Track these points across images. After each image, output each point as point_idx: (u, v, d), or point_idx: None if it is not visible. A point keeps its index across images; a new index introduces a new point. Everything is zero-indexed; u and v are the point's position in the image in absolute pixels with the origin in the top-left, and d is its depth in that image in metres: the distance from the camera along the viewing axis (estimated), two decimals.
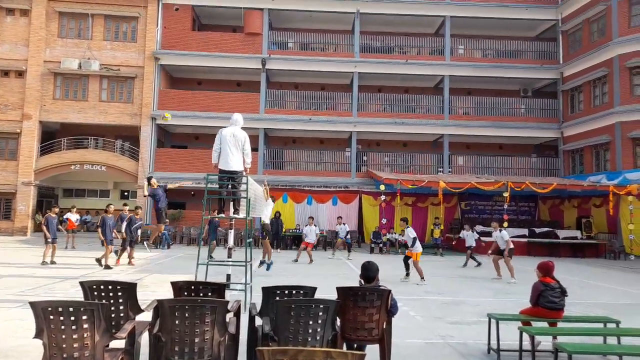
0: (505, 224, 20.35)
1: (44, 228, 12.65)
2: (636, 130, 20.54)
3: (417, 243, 11.17)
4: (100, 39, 24.41)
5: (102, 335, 3.57)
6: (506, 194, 20.13)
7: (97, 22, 24.43)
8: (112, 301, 4.42)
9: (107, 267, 12.16)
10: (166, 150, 24.92)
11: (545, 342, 5.57)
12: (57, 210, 13.56)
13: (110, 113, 24.04)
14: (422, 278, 11.01)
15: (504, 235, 12.24)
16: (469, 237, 16.03)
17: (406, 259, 11.39)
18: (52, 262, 12.48)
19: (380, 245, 20.22)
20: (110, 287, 4.46)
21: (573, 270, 14.82)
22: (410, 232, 11.29)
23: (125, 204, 14.85)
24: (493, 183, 20.44)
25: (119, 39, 24.61)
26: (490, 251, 13.09)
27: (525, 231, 21.37)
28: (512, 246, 12.25)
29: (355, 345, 4.73)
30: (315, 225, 16.98)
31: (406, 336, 6.10)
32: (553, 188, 20.32)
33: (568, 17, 24.87)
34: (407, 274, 11.35)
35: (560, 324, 5.55)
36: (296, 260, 14.79)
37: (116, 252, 13.05)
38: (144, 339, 4.47)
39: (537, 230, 21.51)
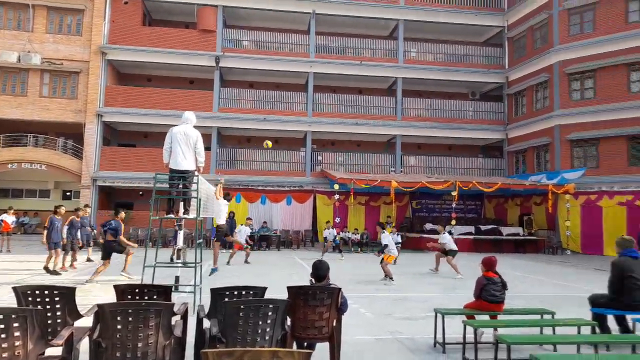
0: (453, 222, 21.14)
1: None
2: (573, 133, 21.86)
3: (391, 248, 11.26)
4: (42, 32, 23.10)
5: (36, 343, 3.39)
6: (454, 193, 20.87)
7: (39, 13, 23.11)
8: (48, 307, 4.21)
9: (55, 272, 11.40)
10: (113, 149, 23.95)
11: (488, 334, 5.81)
12: None
13: (52, 109, 22.81)
14: (388, 277, 11.07)
15: (444, 238, 12.92)
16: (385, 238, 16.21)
17: (382, 262, 11.39)
18: None
19: (334, 244, 20.34)
20: (46, 292, 4.24)
21: (515, 265, 15.57)
22: (384, 238, 11.38)
23: (86, 205, 14.33)
24: (442, 182, 21.11)
25: (63, 32, 23.39)
26: (430, 243, 14.24)
27: (471, 228, 22.24)
28: (454, 248, 12.78)
29: (305, 344, 4.75)
30: (266, 225, 16.63)
31: (356, 333, 6.18)
32: (498, 187, 21.28)
33: (513, 25, 26.09)
34: (391, 278, 11.13)
35: (501, 317, 5.81)
36: (228, 263, 13.88)
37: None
38: (85, 345, 4.27)
39: (483, 227, 22.43)
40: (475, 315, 5.77)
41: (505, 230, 22.31)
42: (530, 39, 24.78)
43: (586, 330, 5.61)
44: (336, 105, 25.67)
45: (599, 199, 20.65)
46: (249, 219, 16.85)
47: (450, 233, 16.95)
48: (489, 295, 5.68)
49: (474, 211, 25.66)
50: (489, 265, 5.86)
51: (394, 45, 26.19)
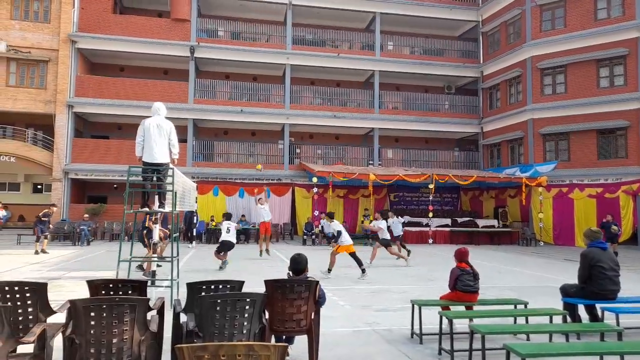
0: (430, 215, 21.44)
1: None
2: (546, 127, 22.37)
3: (344, 235, 10.73)
4: (6, 18, 22.19)
5: (6, 341, 3.29)
6: (431, 186, 21.13)
7: None
8: (19, 303, 4.07)
9: None
10: (85, 141, 23.32)
11: (463, 325, 5.92)
12: None
13: (20, 99, 22.02)
14: (329, 270, 10.58)
15: (379, 224, 12.84)
16: (396, 224, 15.13)
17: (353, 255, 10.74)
18: None
19: (313, 237, 20.40)
20: (16, 288, 4.10)
21: (490, 257, 15.89)
22: (335, 226, 11.00)
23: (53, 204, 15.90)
24: (419, 175, 21.34)
25: (30, 19, 22.53)
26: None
27: (448, 221, 22.60)
28: (386, 237, 12.87)
29: (284, 337, 4.74)
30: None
31: (334, 325, 6.21)
32: (473, 180, 21.64)
33: (487, 20, 26.46)
34: (329, 269, 10.70)
35: (475, 307, 5.92)
36: (267, 252, 14.22)
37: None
38: (59, 342, 4.16)
39: (459, 219, 22.82)
40: (451, 306, 5.86)
41: (481, 223, 22.76)
42: (504, 34, 25.19)
43: (558, 320, 5.77)
44: (314, 97, 25.63)
45: (570, 192, 21.25)
46: (259, 199, 15.96)
47: (404, 224, 16.43)
48: (463, 285, 5.76)
49: (451, 204, 26.08)
50: (460, 256, 5.95)
51: (371, 38, 26.24)
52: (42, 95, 22.25)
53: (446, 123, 26.28)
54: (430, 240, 20.85)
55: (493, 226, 22.64)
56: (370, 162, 25.48)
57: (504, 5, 24.93)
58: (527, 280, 10.86)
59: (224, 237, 11.03)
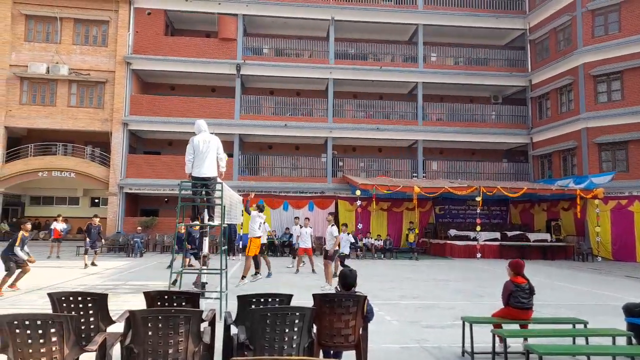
0: (478, 228, 20.79)
1: None
2: (601, 136, 21.29)
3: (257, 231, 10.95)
4: (69, 43, 23.82)
5: (72, 349, 3.47)
6: (479, 199, 20.51)
7: (66, 25, 23.85)
8: (82, 313, 4.31)
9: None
10: (138, 157, 24.44)
11: (517, 344, 5.68)
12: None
13: (80, 118, 23.45)
14: (243, 277, 10.61)
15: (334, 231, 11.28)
16: (345, 241, 12.52)
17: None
18: None
19: (357, 250, 20.27)
20: (80, 298, 4.34)
21: (543, 272, 15.19)
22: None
23: (95, 215, 15.64)
24: (466, 188, 20.79)
25: (89, 43, 24.07)
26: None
27: (497, 234, 21.81)
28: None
29: (332, 352, 4.73)
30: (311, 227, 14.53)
31: (382, 341, 6.13)
32: (523, 192, 20.82)
33: (535, 27, 25.67)
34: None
35: (531, 326, 5.67)
36: (297, 272, 13.81)
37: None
38: (117, 350, 4.35)
39: (509, 233, 21.96)
40: (504, 324, 5.64)
41: (532, 237, 21.79)
42: (553, 41, 24.33)
43: (621, 341, 5.43)
44: (357, 110, 25.68)
45: (630, 204, 20.04)
46: (306, 219, 15.00)
47: (353, 242, 13.56)
48: (516, 302, 5.55)
49: (500, 217, 25.21)
50: (516, 268, 5.70)
51: (414, 50, 26.07)
52: (100, 114, 23.59)
53: (493, 134, 25.56)
54: (479, 255, 20.21)
55: (545, 240, 21.63)
56: (414, 174, 25.13)
57: (553, 12, 24.13)
58: (585, 297, 10.29)
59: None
